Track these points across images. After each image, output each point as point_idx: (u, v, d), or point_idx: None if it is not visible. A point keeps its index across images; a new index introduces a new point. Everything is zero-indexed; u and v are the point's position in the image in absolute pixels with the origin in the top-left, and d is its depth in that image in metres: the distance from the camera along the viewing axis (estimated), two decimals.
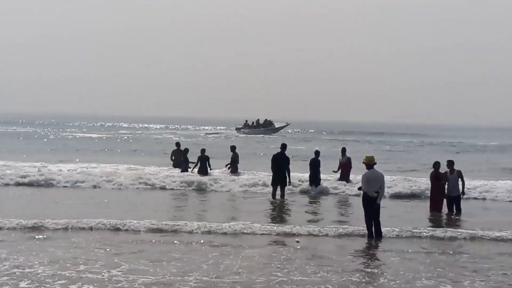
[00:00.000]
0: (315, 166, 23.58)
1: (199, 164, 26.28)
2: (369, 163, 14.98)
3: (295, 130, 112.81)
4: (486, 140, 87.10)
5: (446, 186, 19.25)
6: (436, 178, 19.22)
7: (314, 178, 23.52)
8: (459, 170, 19.53)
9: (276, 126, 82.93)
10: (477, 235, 15.30)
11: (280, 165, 21.02)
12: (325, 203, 21.15)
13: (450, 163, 19.43)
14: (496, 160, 45.70)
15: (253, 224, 15.76)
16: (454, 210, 19.20)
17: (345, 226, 15.92)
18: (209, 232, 14.85)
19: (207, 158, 26.54)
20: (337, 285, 10.72)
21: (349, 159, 25.16)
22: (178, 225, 15.32)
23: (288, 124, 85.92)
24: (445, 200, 19.44)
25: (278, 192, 21.44)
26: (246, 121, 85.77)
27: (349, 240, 14.49)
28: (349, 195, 22.84)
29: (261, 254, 12.76)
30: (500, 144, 74.71)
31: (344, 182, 24.46)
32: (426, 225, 16.96)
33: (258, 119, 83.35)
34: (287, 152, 21.54)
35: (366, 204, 14.84)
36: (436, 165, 19.26)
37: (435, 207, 19.23)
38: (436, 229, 16.02)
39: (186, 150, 27.62)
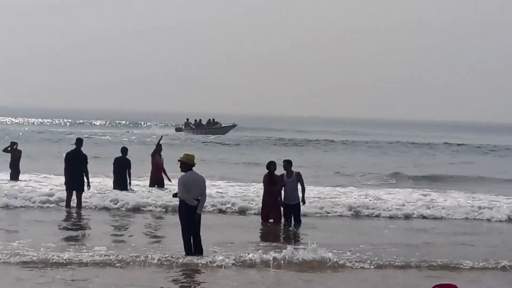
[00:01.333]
0: (120, 166, 22.04)
1: None
2: (187, 162, 13.61)
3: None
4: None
5: (282, 192, 18.18)
6: (270, 181, 18.06)
7: (120, 182, 21.91)
8: (299, 172, 18.44)
9: (223, 126, 78.46)
10: (322, 257, 13.88)
11: (74, 165, 19.37)
12: (133, 217, 19.29)
13: (288, 163, 18.24)
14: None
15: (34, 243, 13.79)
16: (292, 221, 18.13)
17: (157, 245, 14.69)
18: None
19: None
20: None
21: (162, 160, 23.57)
22: None
23: (235, 125, 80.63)
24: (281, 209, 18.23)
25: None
26: (187, 119, 78.61)
27: (166, 268, 12.89)
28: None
29: None
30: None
31: (158, 189, 22.63)
32: (256, 242, 16.11)
33: (200, 119, 77.75)
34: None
35: (184, 215, 13.57)
36: (271, 165, 18.15)
37: (268, 217, 18.23)
38: (269, 244, 15.33)
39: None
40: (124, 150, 22.32)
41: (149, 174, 23.44)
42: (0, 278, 11.64)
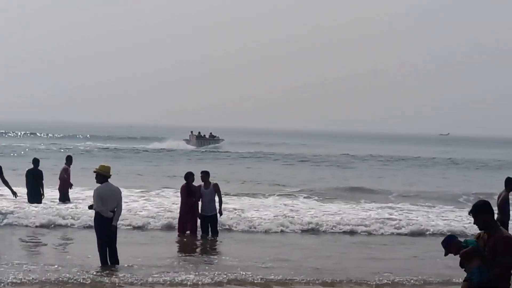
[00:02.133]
0: (33, 178, 21.66)
1: None
2: (103, 173, 13.59)
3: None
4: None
5: (200, 203, 18.05)
6: (188, 192, 17.92)
7: (34, 195, 21.49)
8: (216, 183, 18.40)
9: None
10: (234, 273, 13.56)
11: None
12: (45, 232, 18.60)
13: (206, 174, 18.15)
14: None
15: None
16: (210, 233, 18.05)
17: (71, 258, 14.35)
18: None
19: None
20: None
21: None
22: None
23: (223, 140, 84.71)
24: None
25: None
26: (192, 132, 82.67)
27: (79, 285, 12.41)
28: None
29: None
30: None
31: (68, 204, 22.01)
32: (173, 255, 15.82)
33: (199, 132, 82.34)
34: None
35: (99, 226, 13.57)
36: (189, 176, 18.06)
37: (185, 229, 18.11)
38: (185, 257, 15.17)
39: None
40: (36, 162, 21.88)
41: (59, 188, 22.71)
42: None
